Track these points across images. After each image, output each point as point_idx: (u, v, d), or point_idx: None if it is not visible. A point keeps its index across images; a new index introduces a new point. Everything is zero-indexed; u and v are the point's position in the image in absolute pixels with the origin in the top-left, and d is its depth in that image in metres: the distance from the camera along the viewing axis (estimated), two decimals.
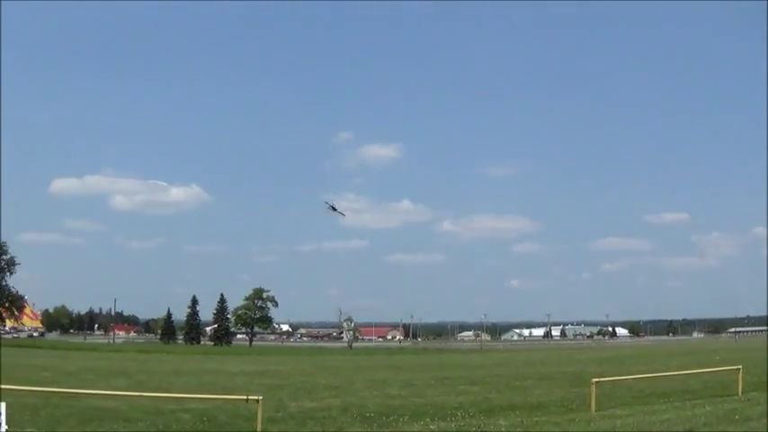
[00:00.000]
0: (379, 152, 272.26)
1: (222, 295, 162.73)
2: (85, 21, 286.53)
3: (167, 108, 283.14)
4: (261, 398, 11.24)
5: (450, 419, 12.70)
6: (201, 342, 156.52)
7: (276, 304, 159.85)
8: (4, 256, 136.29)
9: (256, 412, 11.26)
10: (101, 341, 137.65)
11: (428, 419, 12.59)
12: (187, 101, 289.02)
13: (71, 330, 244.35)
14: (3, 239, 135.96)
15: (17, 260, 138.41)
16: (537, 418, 12.89)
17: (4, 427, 10.00)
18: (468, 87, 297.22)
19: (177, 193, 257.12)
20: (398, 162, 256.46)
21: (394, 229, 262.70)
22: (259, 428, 10.83)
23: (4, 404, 10.21)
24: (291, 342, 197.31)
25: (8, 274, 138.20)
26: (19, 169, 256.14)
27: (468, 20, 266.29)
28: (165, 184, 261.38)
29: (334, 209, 60.69)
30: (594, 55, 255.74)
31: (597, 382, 15.67)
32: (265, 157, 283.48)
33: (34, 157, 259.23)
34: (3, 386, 12.38)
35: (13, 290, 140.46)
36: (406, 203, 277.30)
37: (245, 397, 11.99)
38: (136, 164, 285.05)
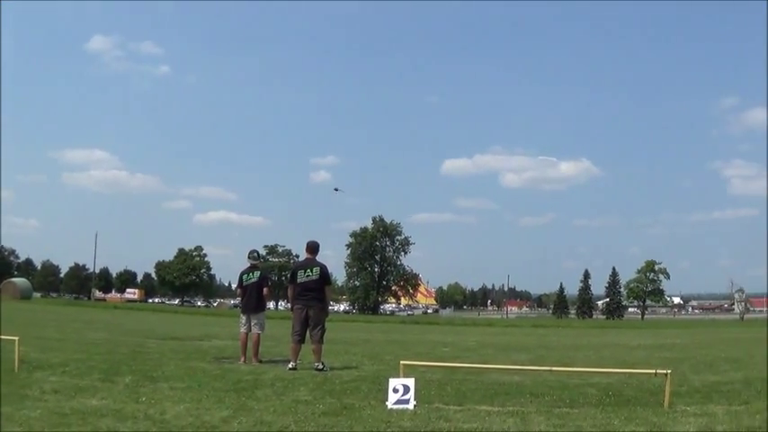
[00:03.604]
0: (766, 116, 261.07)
1: (614, 268, 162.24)
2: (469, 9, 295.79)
3: (555, 82, 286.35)
4: (669, 371, 10.64)
5: None
6: (593, 316, 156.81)
7: (668, 276, 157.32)
8: (399, 237, 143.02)
9: (660, 386, 10.72)
10: (494, 316, 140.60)
11: None
12: (573, 73, 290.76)
13: (464, 306, 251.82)
14: (397, 220, 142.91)
15: (411, 240, 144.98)
16: None
17: (413, 402, 10.02)
18: None
19: (567, 168, 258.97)
20: None
21: None
22: (666, 402, 10.26)
23: (413, 380, 10.29)
24: (683, 315, 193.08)
25: (403, 253, 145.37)
26: (411, 152, 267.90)
27: None
28: (554, 159, 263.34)
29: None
30: None
31: None
32: (650, 128, 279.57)
33: (426, 139, 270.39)
34: (412, 362, 12.54)
35: (408, 269, 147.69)
36: None
37: (654, 371, 11.42)
38: (525, 141, 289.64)
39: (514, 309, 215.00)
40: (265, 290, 17.62)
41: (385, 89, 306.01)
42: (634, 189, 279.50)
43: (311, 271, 15.87)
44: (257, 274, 17.60)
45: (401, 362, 11.41)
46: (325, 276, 16.01)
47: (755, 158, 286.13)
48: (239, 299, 18.40)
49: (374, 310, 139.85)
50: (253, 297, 17.43)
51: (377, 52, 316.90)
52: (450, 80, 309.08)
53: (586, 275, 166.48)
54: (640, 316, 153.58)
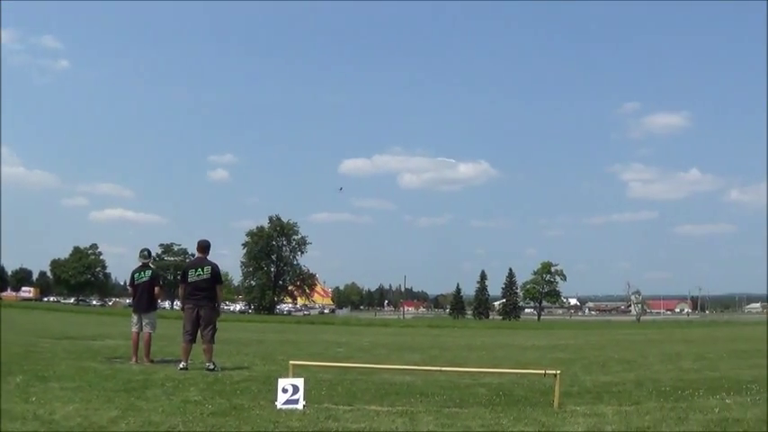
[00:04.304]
0: (667, 121, 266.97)
1: (511, 270, 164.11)
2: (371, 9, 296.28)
3: (455, 84, 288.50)
4: (559, 372, 10.77)
5: (746, 393, 11.91)
6: (490, 317, 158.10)
7: (564, 278, 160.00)
8: (296, 236, 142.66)
9: (552, 386, 10.82)
10: (391, 317, 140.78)
11: (723, 393, 11.84)
12: (473, 77, 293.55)
13: (361, 307, 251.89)
14: (294, 220, 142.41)
15: (308, 240, 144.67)
16: None
17: (302, 402, 9.97)
18: (755, 52, 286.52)
19: (466, 169, 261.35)
20: (687, 131, 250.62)
21: (682, 200, 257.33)
22: (556, 402, 10.37)
23: (302, 380, 10.25)
24: (579, 316, 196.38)
25: (300, 253, 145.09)
26: (310, 151, 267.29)
27: None
28: (453, 160, 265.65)
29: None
30: None
31: None
32: (550, 131, 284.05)
33: (324, 139, 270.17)
34: (302, 362, 12.52)
35: (304, 268, 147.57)
36: (694, 173, 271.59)
37: (543, 371, 11.55)
38: (424, 141, 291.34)
39: (411, 309, 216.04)
40: (157, 289, 17.46)
41: (284, 88, 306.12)
42: (532, 191, 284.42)
43: (202, 270, 15.76)
44: (149, 272, 17.42)
45: (290, 362, 11.43)
46: (216, 276, 15.91)
47: (654, 162, 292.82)
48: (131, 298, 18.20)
49: (270, 310, 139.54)
50: (144, 296, 17.24)
51: (277, 51, 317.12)
52: (350, 80, 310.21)
53: (483, 276, 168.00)
54: (537, 317, 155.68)
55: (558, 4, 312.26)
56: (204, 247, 16.24)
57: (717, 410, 10.06)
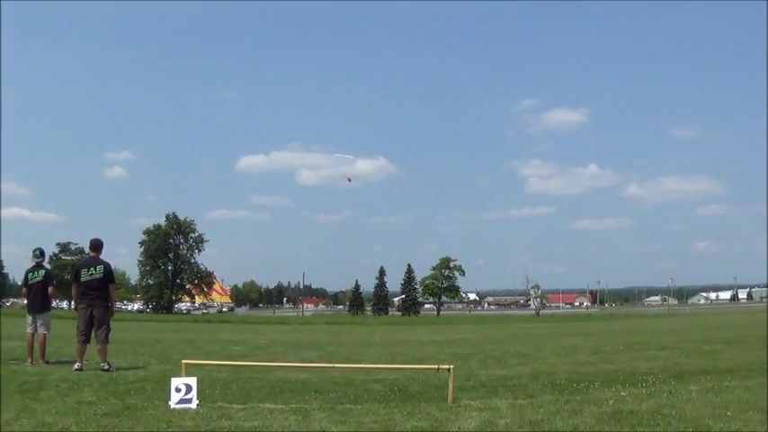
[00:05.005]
0: (565, 117, 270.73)
1: (409, 266, 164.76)
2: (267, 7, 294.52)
3: (353, 81, 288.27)
4: (452, 367, 10.93)
5: (641, 385, 12.22)
6: (389, 313, 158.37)
7: (463, 273, 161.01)
8: (193, 234, 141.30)
9: (447, 381, 10.96)
10: (290, 314, 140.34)
11: (619, 386, 12.13)
12: (370, 74, 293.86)
13: (260, 305, 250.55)
14: (191, 218, 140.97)
15: (206, 237, 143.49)
16: (728, 383, 12.22)
17: (196, 401, 9.98)
18: (655, 49, 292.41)
19: (364, 165, 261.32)
20: (585, 126, 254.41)
21: (580, 195, 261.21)
22: (450, 397, 10.54)
23: (195, 379, 10.25)
24: (479, 311, 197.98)
25: (197, 251, 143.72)
26: (207, 148, 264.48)
27: None
28: (351, 157, 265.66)
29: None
30: None
31: None
32: (449, 127, 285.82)
33: (222, 135, 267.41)
34: (194, 361, 12.52)
35: (202, 266, 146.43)
36: (592, 168, 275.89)
37: (437, 366, 11.74)
38: (322, 138, 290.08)
39: (311, 306, 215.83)
40: (51, 289, 17.23)
41: (181, 84, 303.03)
42: (430, 187, 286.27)
43: (95, 269, 15.65)
44: (42, 272, 17.14)
45: (183, 361, 11.43)
46: (109, 275, 15.82)
47: (552, 158, 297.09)
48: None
49: (168, 309, 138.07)
50: (37, 297, 16.96)
51: (173, 48, 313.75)
52: (246, 77, 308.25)
53: (382, 272, 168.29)
54: (436, 312, 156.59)
55: (456, 3, 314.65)
56: (96, 245, 16.13)
57: (611, 402, 10.27)
